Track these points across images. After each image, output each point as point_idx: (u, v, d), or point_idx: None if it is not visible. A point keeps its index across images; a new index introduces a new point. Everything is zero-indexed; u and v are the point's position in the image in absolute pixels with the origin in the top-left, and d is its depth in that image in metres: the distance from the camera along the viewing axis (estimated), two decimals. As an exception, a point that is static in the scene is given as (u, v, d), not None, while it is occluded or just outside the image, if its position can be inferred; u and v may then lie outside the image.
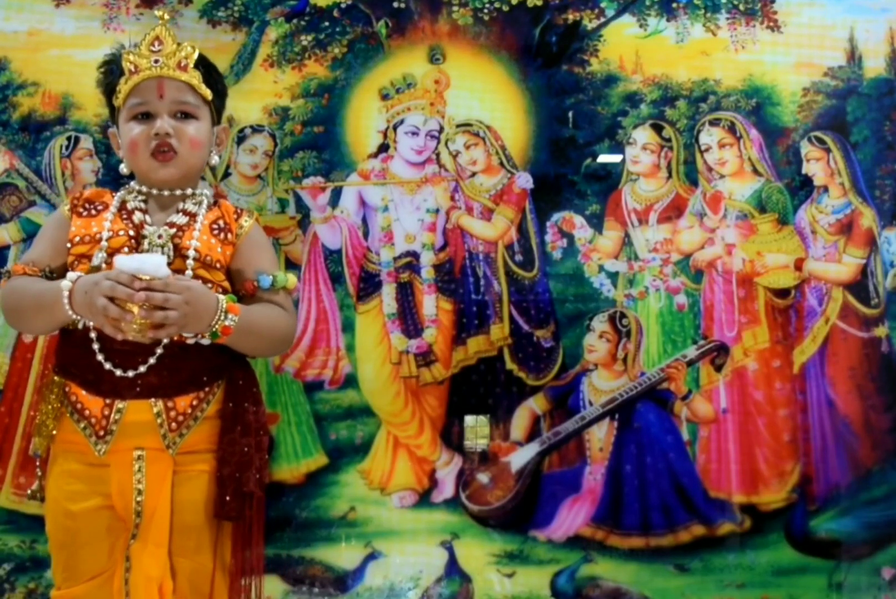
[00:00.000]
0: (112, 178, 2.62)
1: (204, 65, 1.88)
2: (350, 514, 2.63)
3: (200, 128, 1.85)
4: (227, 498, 1.75)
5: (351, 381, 2.66)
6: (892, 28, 2.77)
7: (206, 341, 1.74)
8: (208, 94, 1.86)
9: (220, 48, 2.68)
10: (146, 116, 1.82)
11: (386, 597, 2.62)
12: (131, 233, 1.79)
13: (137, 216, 1.81)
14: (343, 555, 2.62)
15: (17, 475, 2.61)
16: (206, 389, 1.79)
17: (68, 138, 2.68)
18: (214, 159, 1.93)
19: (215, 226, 1.84)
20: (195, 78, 1.83)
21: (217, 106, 1.92)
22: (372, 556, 2.62)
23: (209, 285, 1.80)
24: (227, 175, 2.68)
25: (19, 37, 2.69)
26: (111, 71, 1.88)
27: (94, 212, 1.83)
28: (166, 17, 1.88)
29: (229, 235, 1.84)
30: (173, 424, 1.75)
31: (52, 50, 2.69)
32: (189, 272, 1.77)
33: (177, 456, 1.76)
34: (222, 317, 1.69)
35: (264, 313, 1.83)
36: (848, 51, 2.76)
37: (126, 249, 1.77)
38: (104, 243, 1.77)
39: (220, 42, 2.69)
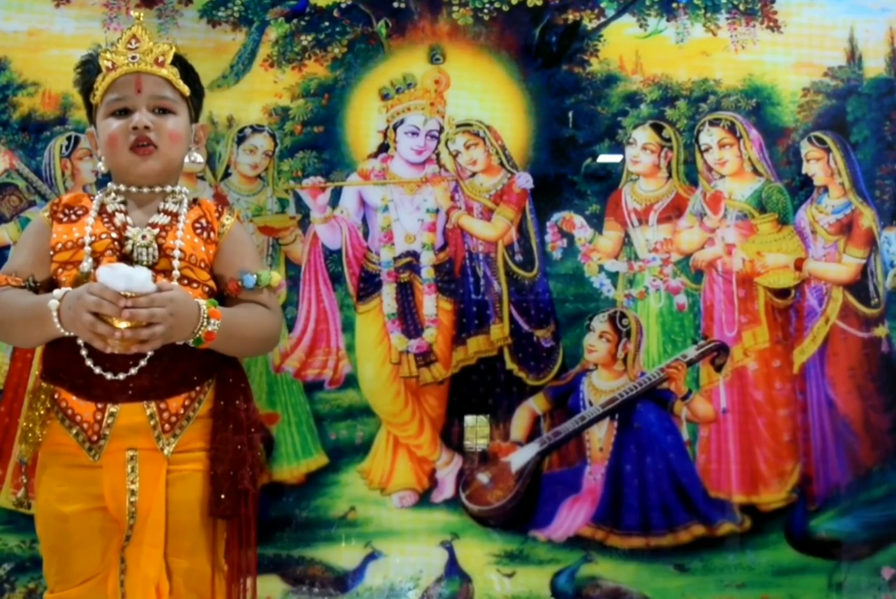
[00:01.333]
0: (112, 178, 2.62)
1: (180, 63, 1.89)
2: (350, 514, 2.64)
3: (179, 122, 1.85)
4: (222, 497, 1.74)
5: (351, 381, 2.67)
6: (892, 28, 2.78)
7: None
8: (186, 89, 1.86)
9: (219, 48, 2.68)
10: (124, 112, 1.81)
11: (386, 597, 2.62)
12: (114, 235, 1.77)
13: (119, 218, 1.79)
14: (343, 555, 2.62)
15: (16, 475, 2.60)
16: (198, 388, 1.78)
17: (68, 138, 2.68)
18: (194, 156, 1.92)
19: (198, 225, 1.82)
20: (172, 73, 1.84)
21: (195, 104, 1.92)
22: (372, 556, 2.63)
23: (195, 285, 1.79)
24: (227, 175, 2.68)
25: (19, 37, 2.69)
26: (88, 70, 1.88)
27: (74, 217, 1.81)
28: (142, 16, 1.90)
29: (212, 234, 1.83)
30: (167, 425, 1.74)
31: (53, 50, 2.69)
32: (176, 272, 1.76)
33: (170, 455, 1.75)
34: (205, 324, 1.69)
35: (247, 315, 1.81)
36: (848, 51, 2.76)
37: (109, 252, 1.75)
38: (87, 248, 1.76)
39: (220, 42, 2.69)
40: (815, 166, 2.73)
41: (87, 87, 1.89)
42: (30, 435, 1.77)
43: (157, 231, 1.78)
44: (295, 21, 2.71)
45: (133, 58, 1.82)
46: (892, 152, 2.75)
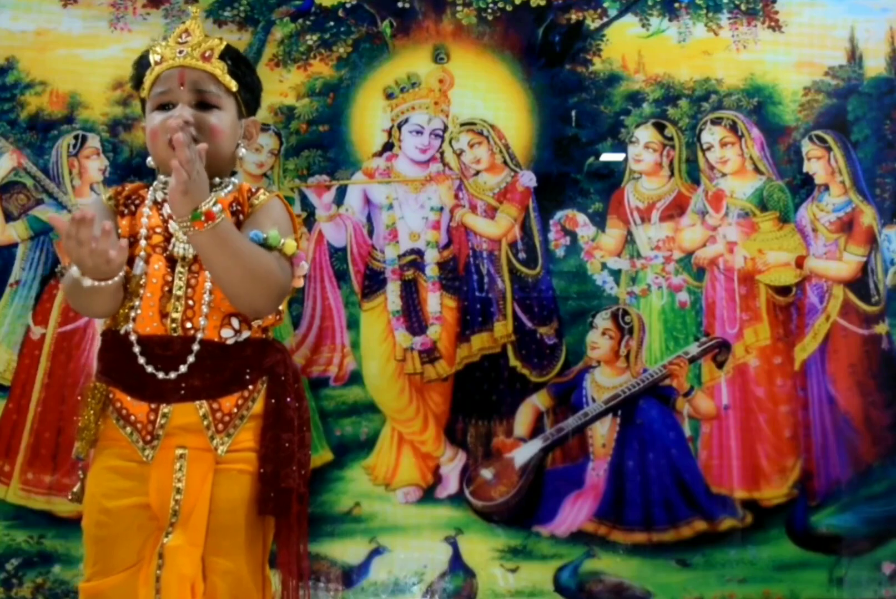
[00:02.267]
0: (119, 177, 2.65)
1: (232, 58, 1.84)
2: (355, 510, 2.65)
3: (222, 117, 1.80)
4: (272, 495, 1.71)
5: (356, 378, 2.69)
6: (892, 28, 2.80)
7: (182, 233, 1.64)
8: (232, 84, 1.81)
9: (225, 48, 2.70)
10: (168, 106, 1.79)
11: (391, 592, 2.64)
12: (167, 229, 1.75)
13: (167, 208, 1.77)
14: (348, 550, 2.64)
15: (24, 471, 2.63)
16: (251, 387, 1.75)
17: (75, 137, 2.70)
18: (241, 151, 1.89)
19: (232, 208, 1.79)
20: (218, 68, 1.80)
21: (245, 98, 1.87)
22: (377, 551, 2.64)
23: None
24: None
25: (27, 36, 2.71)
26: (141, 65, 1.87)
27: (133, 207, 1.80)
28: (197, 12, 1.87)
29: (241, 215, 1.80)
30: (220, 425, 1.72)
31: (60, 49, 2.72)
32: None
33: (224, 455, 1.72)
34: (212, 202, 1.59)
35: (251, 245, 1.69)
36: (848, 50, 2.78)
37: (159, 249, 1.73)
38: (143, 242, 1.74)
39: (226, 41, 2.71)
40: (815, 165, 2.75)
41: (137, 82, 1.88)
42: (86, 432, 1.77)
43: None
44: (300, 21, 2.73)
45: (180, 52, 1.80)
46: (893, 151, 2.77)
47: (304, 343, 2.69)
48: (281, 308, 1.82)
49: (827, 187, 2.75)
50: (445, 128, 2.74)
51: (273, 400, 1.77)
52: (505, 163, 2.74)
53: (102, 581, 1.72)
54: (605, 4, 2.76)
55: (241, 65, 1.87)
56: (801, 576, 2.65)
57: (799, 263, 2.72)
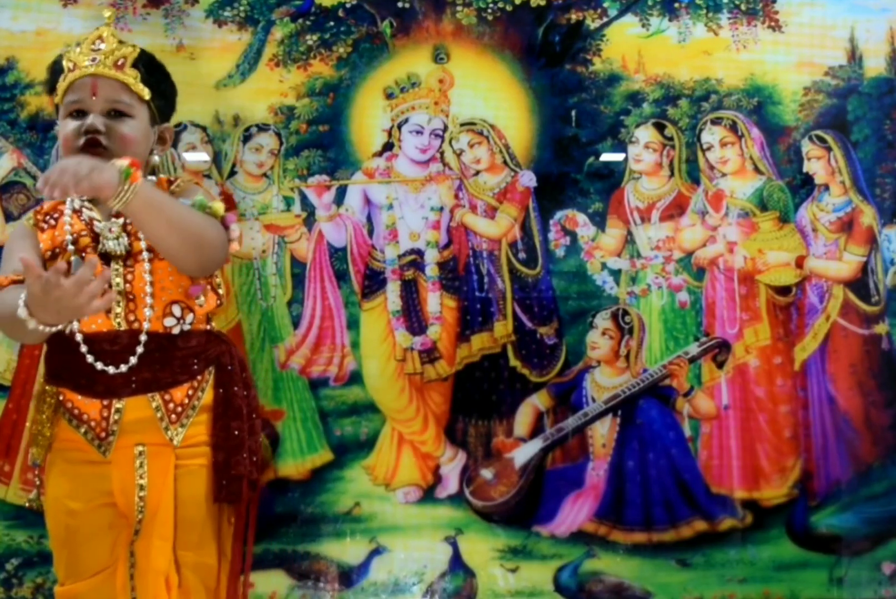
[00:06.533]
0: (119, 177, 2.65)
1: (146, 65, 1.85)
2: (355, 510, 2.66)
3: (134, 126, 1.81)
4: (224, 482, 1.76)
5: (356, 378, 2.69)
6: (892, 28, 2.80)
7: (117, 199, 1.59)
8: (145, 93, 1.82)
9: (225, 48, 2.71)
10: (80, 114, 1.80)
11: (390, 592, 2.64)
12: (93, 230, 1.77)
13: (86, 213, 1.79)
14: (348, 550, 2.64)
15: (24, 471, 2.63)
16: (199, 377, 1.79)
17: (75, 137, 2.70)
18: (155, 159, 1.90)
19: None
20: (131, 77, 1.81)
21: (159, 105, 1.87)
22: (377, 551, 2.64)
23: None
24: (233, 173, 2.70)
25: (27, 36, 2.71)
26: (55, 70, 1.87)
27: (52, 221, 1.82)
28: (112, 16, 1.87)
29: None
30: (173, 416, 1.76)
31: (60, 49, 2.71)
32: (146, 254, 1.75)
33: (178, 449, 1.76)
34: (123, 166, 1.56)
35: (182, 205, 1.71)
36: (848, 50, 2.78)
37: (90, 249, 1.75)
38: (70, 247, 1.76)
39: (226, 41, 2.72)
40: (815, 165, 2.75)
41: (50, 87, 1.89)
42: (39, 437, 1.79)
43: (122, 220, 1.77)
44: (300, 21, 2.73)
45: (93, 59, 1.80)
46: (893, 151, 2.77)
47: (304, 343, 2.69)
48: (221, 291, 1.84)
49: (827, 187, 2.75)
50: (445, 128, 2.74)
51: (221, 390, 1.81)
52: (505, 163, 2.74)
53: (78, 585, 1.75)
54: (605, 4, 2.76)
55: (155, 72, 1.87)
56: (801, 576, 2.66)
57: (799, 263, 2.72)
